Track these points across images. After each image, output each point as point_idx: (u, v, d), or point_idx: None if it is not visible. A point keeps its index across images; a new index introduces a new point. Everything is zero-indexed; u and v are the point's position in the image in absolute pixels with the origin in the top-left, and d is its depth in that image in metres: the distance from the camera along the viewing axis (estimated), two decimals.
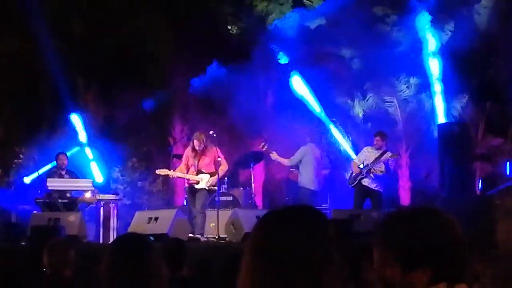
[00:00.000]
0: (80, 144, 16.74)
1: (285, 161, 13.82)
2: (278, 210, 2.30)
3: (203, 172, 12.27)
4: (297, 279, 2.11)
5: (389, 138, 13.99)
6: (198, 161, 12.33)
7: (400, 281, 2.27)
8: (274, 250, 2.14)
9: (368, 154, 13.35)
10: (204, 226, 12.21)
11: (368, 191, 13.11)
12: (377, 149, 13.31)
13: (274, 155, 13.73)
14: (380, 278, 2.30)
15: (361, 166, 13.20)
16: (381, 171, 13.08)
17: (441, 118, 16.66)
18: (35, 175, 14.70)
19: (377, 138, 13.43)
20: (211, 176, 12.27)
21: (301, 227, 2.19)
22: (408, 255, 2.27)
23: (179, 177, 12.80)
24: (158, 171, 13.03)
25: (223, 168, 12.55)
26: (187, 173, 12.42)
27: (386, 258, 2.29)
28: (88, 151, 16.73)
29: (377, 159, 13.08)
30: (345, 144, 17.18)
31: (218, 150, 12.54)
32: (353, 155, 15.93)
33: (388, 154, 13.18)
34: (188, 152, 12.57)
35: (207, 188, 12.23)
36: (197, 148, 12.33)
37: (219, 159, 12.34)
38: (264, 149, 13.73)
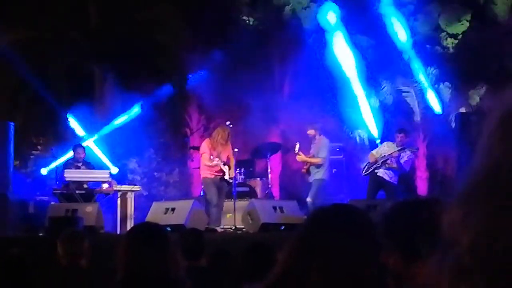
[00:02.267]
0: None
1: (318, 161, 12.99)
2: (327, 208, 2.40)
3: (226, 164, 12.32)
4: (340, 274, 2.18)
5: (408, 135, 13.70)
6: (221, 153, 12.33)
7: (403, 272, 2.28)
8: (324, 246, 2.22)
9: (388, 149, 13.13)
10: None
11: (382, 182, 12.94)
12: (399, 146, 13.05)
13: (301, 157, 13.11)
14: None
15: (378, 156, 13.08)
16: (395, 167, 12.91)
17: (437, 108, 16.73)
18: (52, 165, 14.76)
19: (401, 135, 13.05)
20: (229, 169, 12.35)
21: (347, 225, 2.28)
22: (407, 246, 2.27)
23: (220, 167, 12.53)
24: (214, 163, 12.51)
25: (233, 163, 12.72)
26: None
27: (389, 249, 2.30)
28: (93, 146, 16.71)
29: (395, 152, 12.87)
30: (372, 125, 17.07)
31: (231, 150, 12.68)
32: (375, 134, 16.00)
33: (407, 150, 12.98)
34: (209, 143, 12.51)
35: (229, 181, 12.30)
36: (225, 141, 12.35)
37: (234, 151, 12.43)
38: (296, 151, 13.29)
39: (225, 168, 12.26)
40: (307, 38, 17.50)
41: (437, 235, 2.22)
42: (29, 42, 16.78)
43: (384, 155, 12.93)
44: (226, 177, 12.28)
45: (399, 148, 12.89)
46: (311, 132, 13.14)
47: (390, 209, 2.41)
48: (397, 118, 16.77)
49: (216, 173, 12.38)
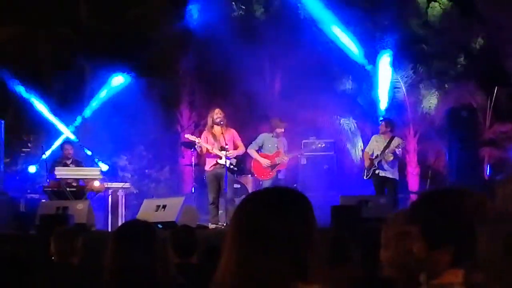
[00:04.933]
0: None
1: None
2: (261, 191, 2.41)
3: (225, 149, 12.20)
4: (280, 254, 2.19)
5: (396, 124, 13.80)
6: (219, 140, 12.23)
7: (425, 258, 2.31)
8: (261, 228, 2.23)
9: (377, 143, 13.27)
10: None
11: (385, 180, 13.01)
12: (383, 133, 13.22)
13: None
14: (406, 254, 2.36)
15: (373, 157, 13.13)
16: (391, 159, 12.97)
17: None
18: (46, 155, 14.71)
19: (382, 124, 13.40)
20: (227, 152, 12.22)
21: (284, 207, 2.28)
22: (431, 231, 2.32)
23: (202, 149, 12.36)
24: (187, 135, 12.83)
25: (241, 149, 12.55)
26: (210, 154, 12.33)
27: (414, 234, 2.34)
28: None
29: (385, 148, 12.98)
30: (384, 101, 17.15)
31: (236, 133, 12.55)
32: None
33: (395, 141, 13.07)
34: (205, 134, 12.45)
35: (228, 165, 12.15)
36: (218, 120, 12.24)
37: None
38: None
39: (221, 153, 12.17)
40: (299, 33, 17.49)
41: (463, 224, 2.27)
42: (19, 38, 16.72)
43: (377, 155, 13.01)
44: (222, 161, 12.16)
45: (387, 140, 13.00)
46: (282, 130, 13.32)
47: (417, 198, 2.49)
48: (388, 114, 16.76)
49: (214, 165, 12.32)
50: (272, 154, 13.29)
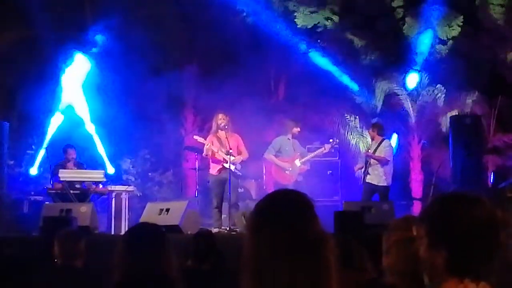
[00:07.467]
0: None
1: None
2: (272, 194, 2.46)
3: (230, 154, 12.17)
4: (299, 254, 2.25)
5: (381, 126, 13.51)
6: (224, 143, 12.22)
7: (424, 257, 2.32)
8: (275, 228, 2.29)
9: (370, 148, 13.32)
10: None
11: (372, 188, 12.85)
12: (372, 138, 13.20)
13: None
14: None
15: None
16: (376, 163, 12.86)
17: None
18: (40, 155, 14.70)
19: (369, 129, 13.42)
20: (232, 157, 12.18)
21: (292, 207, 2.33)
22: (433, 229, 2.31)
23: (211, 153, 12.26)
24: (195, 137, 12.82)
25: (244, 156, 12.52)
26: (215, 158, 12.30)
27: (420, 232, 2.36)
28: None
29: (374, 152, 12.90)
30: None
31: (240, 140, 12.55)
32: None
33: (383, 145, 12.94)
34: (211, 137, 12.42)
35: (233, 170, 12.13)
36: (223, 125, 12.22)
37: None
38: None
39: (227, 157, 12.14)
40: (300, 40, 17.56)
41: (467, 232, 2.25)
42: (25, 42, 16.75)
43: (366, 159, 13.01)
44: (226, 165, 12.13)
45: (376, 144, 12.92)
46: (299, 129, 13.28)
47: (433, 199, 2.45)
48: (391, 121, 16.76)
49: (220, 169, 12.30)
50: (290, 157, 13.15)
